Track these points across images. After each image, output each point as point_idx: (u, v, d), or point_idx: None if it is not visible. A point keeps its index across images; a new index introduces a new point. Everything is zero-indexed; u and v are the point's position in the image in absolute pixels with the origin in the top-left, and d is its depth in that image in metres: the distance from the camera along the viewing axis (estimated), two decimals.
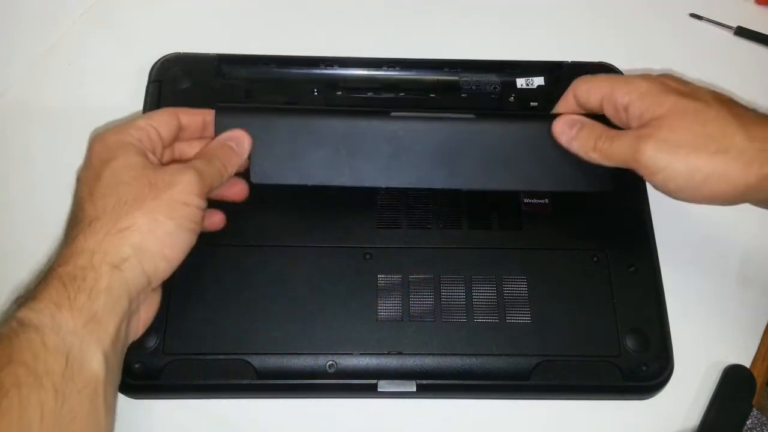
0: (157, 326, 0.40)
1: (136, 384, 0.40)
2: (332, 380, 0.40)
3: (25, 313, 0.30)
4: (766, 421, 0.41)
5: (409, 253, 0.43)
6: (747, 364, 0.44)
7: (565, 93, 0.43)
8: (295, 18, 0.58)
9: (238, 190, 0.43)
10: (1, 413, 0.27)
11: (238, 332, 0.40)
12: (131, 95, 0.50)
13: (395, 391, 0.40)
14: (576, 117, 0.41)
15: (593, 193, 0.43)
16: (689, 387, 0.43)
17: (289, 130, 0.42)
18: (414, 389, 0.40)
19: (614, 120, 0.40)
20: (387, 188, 0.44)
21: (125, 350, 0.36)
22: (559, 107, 0.43)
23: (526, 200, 0.45)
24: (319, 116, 0.43)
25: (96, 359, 0.31)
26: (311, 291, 0.42)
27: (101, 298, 0.32)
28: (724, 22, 0.58)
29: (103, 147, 0.37)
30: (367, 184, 0.42)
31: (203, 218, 0.38)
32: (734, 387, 0.42)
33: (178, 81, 0.49)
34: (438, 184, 0.43)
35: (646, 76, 0.39)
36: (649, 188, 0.46)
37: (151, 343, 0.40)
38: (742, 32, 0.57)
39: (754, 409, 0.42)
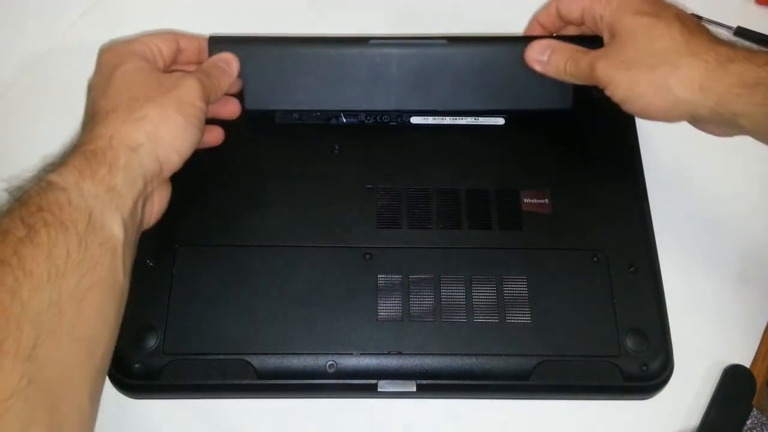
0: (157, 326, 0.40)
1: (136, 384, 0.40)
2: (332, 380, 0.40)
3: (51, 176, 0.33)
4: (766, 421, 0.41)
5: (409, 253, 0.43)
6: (747, 364, 0.44)
7: (547, 4, 0.45)
8: (296, 12, 0.58)
9: (232, 109, 0.46)
10: (33, 246, 0.30)
11: (238, 332, 0.40)
12: None
13: (395, 391, 0.40)
14: (545, 42, 0.44)
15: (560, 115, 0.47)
16: (689, 387, 0.43)
17: (278, 59, 0.46)
18: (414, 389, 0.40)
19: (593, 29, 0.43)
20: (367, 111, 0.47)
21: (140, 234, 0.38)
22: (539, 16, 0.46)
23: (526, 200, 0.45)
24: (305, 45, 0.46)
25: (116, 223, 0.34)
26: (311, 291, 0.42)
27: (120, 174, 0.34)
28: (724, 22, 0.58)
29: (112, 55, 0.40)
30: (350, 108, 0.47)
31: (204, 123, 0.41)
32: (734, 387, 0.42)
33: None
34: (413, 105, 0.47)
35: None
36: (649, 188, 0.46)
37: (151, 343, 0.40)
38: (742, 32, 0.57)
39: (754, 409, 0.42)
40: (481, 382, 0.40)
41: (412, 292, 0.42)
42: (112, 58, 0.40)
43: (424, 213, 0.45)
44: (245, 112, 0.47)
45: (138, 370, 0.39)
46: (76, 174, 0.33)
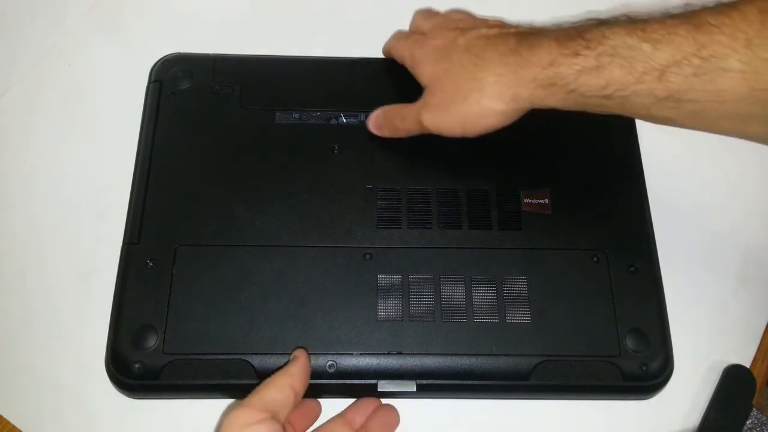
0: (157, 326, 0.40)
1: (136, 384, 0.40)
2: (332, 380, 0.40)
3: None
4: (766, 421, 0.41)
5: (409, 253, 0.43)
6: (747, 364, 0.44)
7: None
8: (296, 18, 0.58)
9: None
10: None
11: (238, 332, 0.40)
12: (131, 95, 0.50)
13: (395, 391, 0.40)
14: (375, 113, 0.47)
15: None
16: (689, 387, 0.43)
17: (271, 73, 0.50)
18: (414, 389, 0.40)
19: None
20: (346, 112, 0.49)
21: None
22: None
23: (526, 200, 0.45)
24: (292, 63, 0.51)
25: None
26: (311, 291, 0.42)
27: None
28: None
29: None
30: (332, 108, 0.49)
31: None
32: (734, 387, 0.43)
33: (178, 81, 0.49)
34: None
35: (417, 41, 0.46)
36: (649, 188, 0.46)
37: (151, 343, 0.40)
38: None
39: (754, 409, 0.42)
40: (481, 382, 0.40)
41: (412, 292, 0.42)
42: None
43: (424, 213, 0.45)
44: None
45: (138, 370, 0.39)
46: None
